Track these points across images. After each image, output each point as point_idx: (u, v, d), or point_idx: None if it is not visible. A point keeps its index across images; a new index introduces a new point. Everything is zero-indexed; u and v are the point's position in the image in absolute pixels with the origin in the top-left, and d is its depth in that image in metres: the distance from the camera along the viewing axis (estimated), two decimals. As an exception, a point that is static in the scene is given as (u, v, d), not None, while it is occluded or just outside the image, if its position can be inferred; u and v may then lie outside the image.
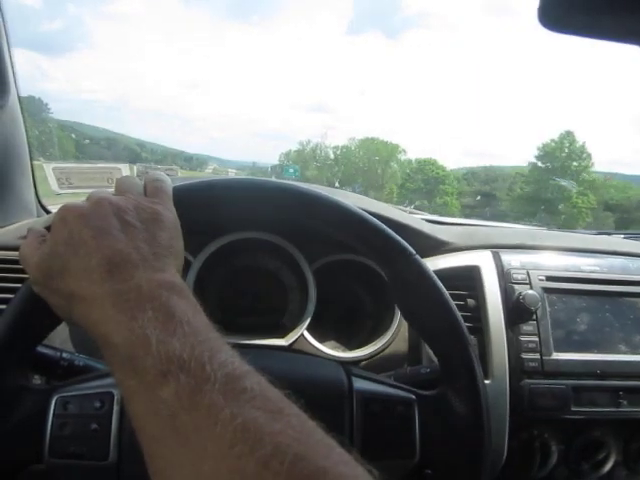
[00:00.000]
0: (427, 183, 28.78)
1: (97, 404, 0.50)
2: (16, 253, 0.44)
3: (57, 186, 1.16)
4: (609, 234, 1.32)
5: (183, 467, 0.29)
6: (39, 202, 1.09)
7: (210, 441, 0.29)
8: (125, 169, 1.22)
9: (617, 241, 1.17)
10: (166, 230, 0.42)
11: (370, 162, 33.28)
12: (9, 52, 0.95)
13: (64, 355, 0.58)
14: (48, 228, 0.43)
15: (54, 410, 0.49)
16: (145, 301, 0.35)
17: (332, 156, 37.06)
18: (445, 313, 0.54)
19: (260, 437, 0.28)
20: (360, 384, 0.57)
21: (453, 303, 0.54)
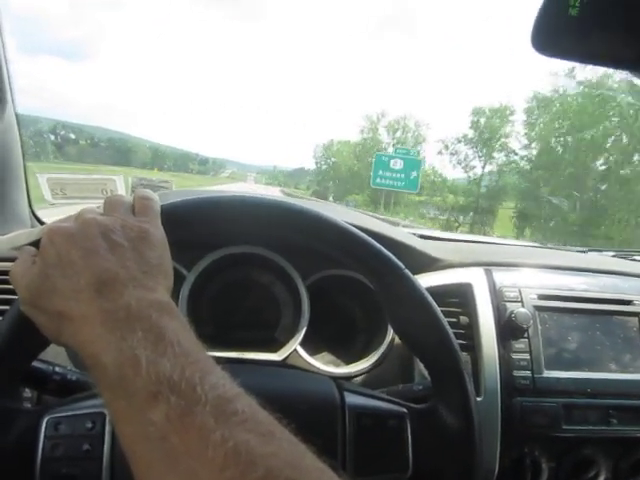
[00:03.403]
0: None
1: (89, 424, 0.49)
2: (9, 264, 0.44)
3: (51, 197, 1.15)
4: (599, 251, 1.33)
5: None
6: (32, 212, 1.09)
7: (201, 465, 0.28)
8: (119, 180, 1.21)
9: (607, 259, 1.19)
10: (154, 249, 0.42)
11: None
12: (6, 62, 0.95)
13: (57, 369, 0.57)
14: (38, 244, 0.42)
15: (45, 432, 0.48)
16: (135, 321, 0.35)
17: (470, 134, 19.32)
18: (435, 327, 0.54)
19: (252, 460, 0.28)
20: (352, 399, 0.57)
21: (443, 317, 0.54)
